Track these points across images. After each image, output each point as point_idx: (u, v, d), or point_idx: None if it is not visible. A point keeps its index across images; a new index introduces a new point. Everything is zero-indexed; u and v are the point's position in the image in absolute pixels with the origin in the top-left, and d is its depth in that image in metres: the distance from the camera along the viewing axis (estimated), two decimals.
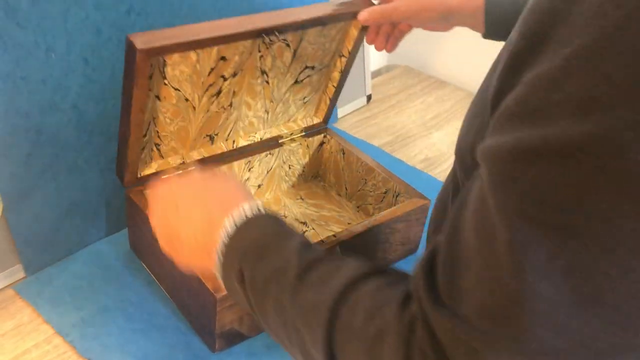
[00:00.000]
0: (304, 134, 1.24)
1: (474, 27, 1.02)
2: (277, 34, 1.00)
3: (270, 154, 1.19)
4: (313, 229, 1.17)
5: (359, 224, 1.03)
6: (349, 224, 1.20)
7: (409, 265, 1.14)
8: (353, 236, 1.00)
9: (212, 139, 1.11)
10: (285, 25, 0.99)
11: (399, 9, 0.99)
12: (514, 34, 0.48)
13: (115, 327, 0.96)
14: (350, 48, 1.15)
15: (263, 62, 1.05)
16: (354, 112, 1.62)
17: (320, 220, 1.20)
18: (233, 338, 0.95)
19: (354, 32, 1.12)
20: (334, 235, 1.00)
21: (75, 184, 1.04)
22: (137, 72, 0.86)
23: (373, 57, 1.85)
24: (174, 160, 1.07)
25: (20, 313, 0.97)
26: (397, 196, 1.15)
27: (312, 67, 1.15)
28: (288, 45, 1.05)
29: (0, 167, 0.94)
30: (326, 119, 1.27)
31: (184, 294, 0.96)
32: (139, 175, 1.03)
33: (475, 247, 0.47)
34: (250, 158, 1.16)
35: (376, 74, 1.91)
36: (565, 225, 0.41)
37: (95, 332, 0.95)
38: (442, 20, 1.00)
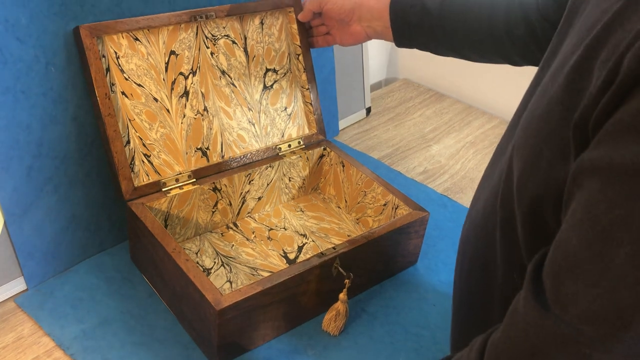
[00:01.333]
0: (303, 146, 1.25)
1: (384, 33, 1.13)
2: (207, 15, 1.10)
3: (270, 166, 1.20)
4: (313, 241, 1.18)
5: (359, 236, 1.04)
6: (348, 236, 1.20)
7: (409, 277, 1.14)
8: (353, 248, 1.01)
9: (205, 153, 1.12)
10: (211, 9, 1.11)
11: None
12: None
13: (116, 340, 0.96)
14: (299, 43, 1.23)
15: (217, 60, 1.13)
16: (354, 124, 1.63)
17: (320, 233, 1.21)
18: (233, 350, 0.95)
19: (294, 28, 1.22)
20: (334, 248, 1.00)
21: (76, 197, 1.05)
22: (87, 52, 0.97)
23: (372, 70, 1.86)
24: (170, 174, 1.09)
25: (22, 326, 0.97)
26: (396, 208, 1.15)
27: (275, 71, 1.21)
28: (234, 42, 1.14)
29: (2, 180, 0.94)
30: (321, 129, 1.28)
31: (184, 307, 0.96)
32: (135, 185, 1.04)
33: (587, 257, 0.47)
34: (250, 171, 1.17)
35: (375, 87, 1.92)
36: None
37: (96, 345, 0.95)
38: (353, 14, 1.14)
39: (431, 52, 1.12)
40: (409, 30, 1.09)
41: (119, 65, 1.02)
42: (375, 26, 1.13)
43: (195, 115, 1.11)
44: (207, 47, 1.12)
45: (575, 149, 0.52)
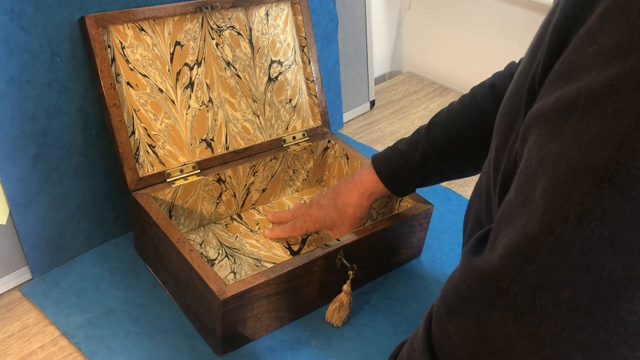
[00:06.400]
0: (308, 138, 1.25)
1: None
2: (212, 6, 1.10)
3: (274, 158, 1.20)
4: (317, 233, 1.18)
5: (363, 228, 1.04)
6: None
7: (412, 269, 1.14)
8: (356, 240, 1.01)
9: (209, 145, 1.13)
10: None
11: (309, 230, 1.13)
12: (554, 19, 0.50)
13: (120, 330, 0.96)
14: (304, 35, 1.23)
15: (223, 52, 1.13)
16: (358, 117, 1.63)
17: None
18: (237, 341, 0.95)
19: (299, 20, 1.22)
20: (338, 239, 1.00)
21: (81, 187, 1.05)
22: (93, 42, 0.97)
23: (376, 63, 1.86)
24: (175, 165, 1.09)
25: (27, 315, 0.98)
26: (400, 201, 1.15)
27: (280, 62, 1.21)
28: (240, 34, 1.14)
29: (7, 170, 0.94)
30: (326, 122, 1.28)
31: (188, 297, 0.97)
32: (140, 175, 1.04)
33: (517, 202, 0.48)
34: (254, 162, 1.17)
35: (380, 80, 1.92)
36: (601, 171, 0.42)
37: (100, 335, 0.95)
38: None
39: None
40: (401, 180, 1.04)
41: (125, 55, 1.02)
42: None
43: (200, 106, 1.11)
44: (213, 38, 1.12)
45: (524, 114, 0.53)
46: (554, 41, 0.49)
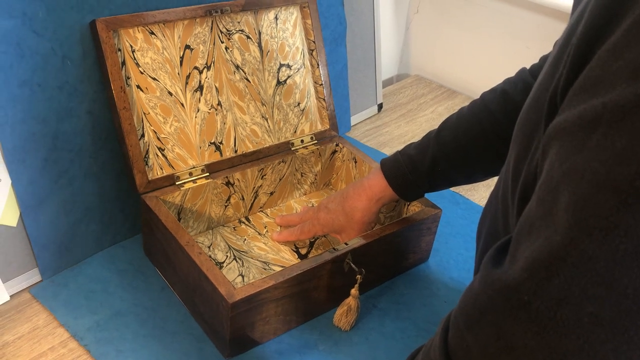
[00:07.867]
0: (316, 142, 1.25)
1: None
2: (222, 9, 1.10)
3: (282, 161, 1.20)
4: (325, 236, 1.18)
5: (371, 232, 1.04)
6: None
7: (420, 273, 1.15)
8: (364, 244, 1.01)
9: (218, 148, 1.13)
10: (226, 3, 1.12)
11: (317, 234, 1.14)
12: (578, 32, 0.50)
13: (129, 332, 0.97)
14: (313, 39, 1.23)
15: (232, 55, 1.13)
16: (365, 120, 1.63)
17: None
18: (245, 344, 0.95)
19: (308, 23, 1.22)
20: (346, 243, 1.00)
21: (90, 189, 1.05)
22: (104, 45, 0.98)
23: (384, 66, 1.86)
24: (184, 168, 1.10)
25: (37, 316, 0.98)
26: (408, 205, 1.15)
27: (289, 66, 1.22)
28: (249, 37, 1.15)
29: (18, 172, 0.95)
30: (334, 125, 1.28)
31: (197, 300, 0.97)
32: (149, 178, 1.05)
33: (538, 214, 0.48)
34: (263, 165, 1.17)
35: (387, 83, 1.92)
36: (627, 187, 0.42)
37: (109, 337, 0.96)
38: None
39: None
40: (415, 191, 1.05)
41: (135, 59, 1.03)
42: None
43: (209, 109, 1.12)
44: (222, 42, 1.12)
45: (545, 125, 0.53)
46: (577, 54, 0.49)
